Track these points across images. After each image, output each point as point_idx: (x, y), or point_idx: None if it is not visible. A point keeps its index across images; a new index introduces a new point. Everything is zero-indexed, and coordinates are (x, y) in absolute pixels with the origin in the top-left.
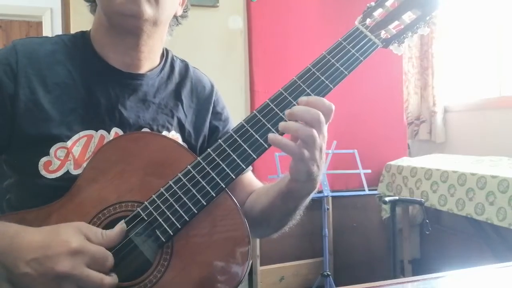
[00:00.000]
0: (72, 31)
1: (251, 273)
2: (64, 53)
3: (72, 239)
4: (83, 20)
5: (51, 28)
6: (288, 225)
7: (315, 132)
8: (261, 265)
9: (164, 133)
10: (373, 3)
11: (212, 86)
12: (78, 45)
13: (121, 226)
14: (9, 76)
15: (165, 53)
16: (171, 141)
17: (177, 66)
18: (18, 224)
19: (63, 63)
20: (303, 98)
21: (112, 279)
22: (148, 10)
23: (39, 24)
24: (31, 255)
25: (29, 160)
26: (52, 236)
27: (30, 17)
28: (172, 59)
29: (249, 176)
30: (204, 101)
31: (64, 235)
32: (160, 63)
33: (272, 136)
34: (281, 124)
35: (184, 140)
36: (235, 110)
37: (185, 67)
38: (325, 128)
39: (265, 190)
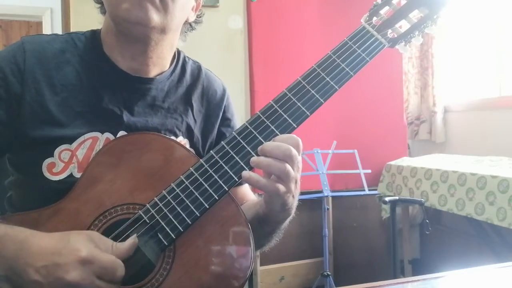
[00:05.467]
0: (75, 31)
1: (251, 273)
2: (74, 53)
3: (82, 248)
4: (83, 20)
5: (51, 28)
6: (267, 246)
7: (288, 166)
8: (261, 265)
9: (172, 138)
10: (379, 1)
11: (224, 91)
12: (88, 45)
13: (133, 240)
14: (16, 75)
15: (176, 55)
16: (173, 142)
17: (189, 68)
18: (27, 229)
19: (71, 63)
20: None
21: None
22: (155, 18)
23: (39, 24)
24: (41, 262)
25: (33, 161)
26: (63, 243)
27: (30, 17)
28: (184, 60)
29: (243, 189)
30: (215, 106)
31: (74, 243)
32: (170, 66)
33: (245, 173)
34: (253, 160)
35: (191, 145)
36: (235, 110)
37: (198, 68)
38: (298, 159)
39: (246, 209)
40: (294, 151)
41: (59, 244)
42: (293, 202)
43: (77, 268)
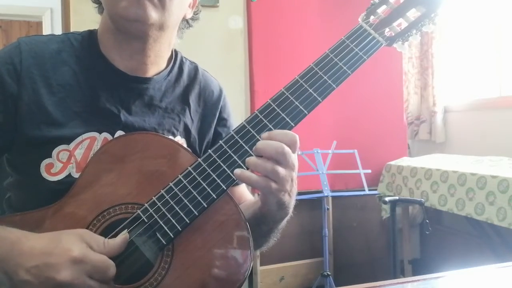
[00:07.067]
0: (72, 31)
1: (251, 273)
2: (70, 53)
3: (74, 247)
4: (83, 20)
5: (51, 28)
6: (265, 245)
7: (277, 167)
8: (261, 265)
9: (170, 137)
10: (376, 0)
11: (221, 91)
12: (85, 45)
13: (124, 236)
14: (13, 76)
15: (173, 55)
16: (171, 142)
17: (186, 68)
18: (19, 230)
19: (68, 63)
20: (264, 134)
21: None
22: (153, 15)
23: (39, 24)
24: (32, 262)
25: (31, 161)
26: (54, 244)
27: (30, 17)
28: (181, 61)
29: (241, 189)
30: (211, 106)
31: (66, 243)
32: (168, 65)
33: (237, 171)
34: (247, 160)
35: (189, 145)
36: (235, 110)
37: (195, 69)
38: (292, 157)
39: (243, 209)
40: (286, 149)
41: (51, 244)
42: (290, 200)
43: (69, 267)
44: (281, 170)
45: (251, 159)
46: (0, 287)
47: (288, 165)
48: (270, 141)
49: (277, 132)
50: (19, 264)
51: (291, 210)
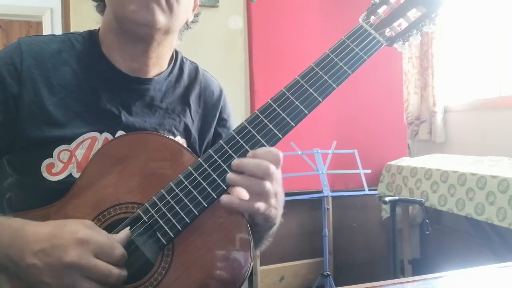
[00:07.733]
0: (72, 31)
1: (251, 273)
2: (71, 53)
3: (79, 230)
4: (83, 20)
5: (51, 28)
6: (258, 250)
7: (267, 184)
8: (261, 265)
9: (171, 137)
10: (377, 0)
11: (221, 92)
12: (86, 45)
13: (126, 232)
14: (13, 76)
15: (174, 56)
16: (172, 142)
17: (187, 69)
18: (22, 219)
19: (69, 63)
20: (249, 153)
21: (120, 271)
22: (161, 19)
23: (39, 24)
24: (37, 246)
25: (32, 161)
26: (59, 228)
27: (30, 17)
28: (182, 61)
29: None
30: (212, 106)
31: (70, 227)
32: (168, 66)
33: (226, 197)
34: (231, 178)
35: (189, 145)
36: (235, 110)
37: (195, 69)
38: (277, 173)
39: None
40: (272, 168)
41: (55, 229)
42: (277, 213)
43: (75, 248)
44: (270, 186)
45: (241, 178)
46: (4, 274)
47: (273, 180)
48: (256, 161)
49: (261, 151)
50: (25, 249)
51: (278, 219)
